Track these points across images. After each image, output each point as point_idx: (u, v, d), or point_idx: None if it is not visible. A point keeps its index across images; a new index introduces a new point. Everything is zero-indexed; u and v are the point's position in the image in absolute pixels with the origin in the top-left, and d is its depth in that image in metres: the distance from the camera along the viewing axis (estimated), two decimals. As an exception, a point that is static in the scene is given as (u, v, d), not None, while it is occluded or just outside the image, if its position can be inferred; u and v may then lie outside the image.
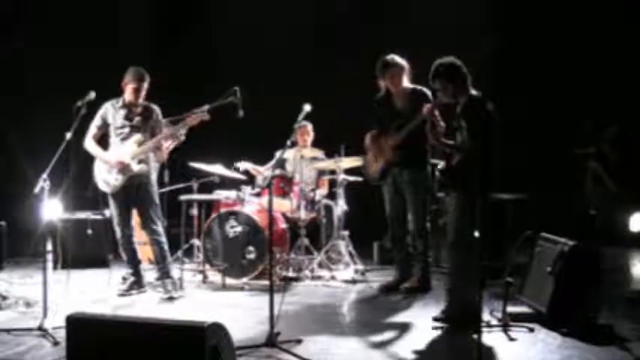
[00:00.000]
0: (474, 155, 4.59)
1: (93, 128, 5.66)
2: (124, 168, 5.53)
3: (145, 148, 5.57)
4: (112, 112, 5.67)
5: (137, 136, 5.59)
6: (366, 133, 5.92)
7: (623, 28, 7.65)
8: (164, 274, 5.65)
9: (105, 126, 5.68)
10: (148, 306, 5.33)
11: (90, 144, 5.64)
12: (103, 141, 5.71)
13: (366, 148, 5.92)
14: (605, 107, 7.63)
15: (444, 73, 4.70)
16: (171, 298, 5.46)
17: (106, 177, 5.61)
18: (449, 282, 4.82)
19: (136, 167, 5.56)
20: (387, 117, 5.68)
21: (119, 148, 5.60)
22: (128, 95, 5.63)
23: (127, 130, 5.62)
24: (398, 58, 5.69)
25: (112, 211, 5.78)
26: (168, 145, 5.74)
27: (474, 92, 4.70)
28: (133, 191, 5.63)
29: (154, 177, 5.77)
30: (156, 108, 5.74)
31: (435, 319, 4.68)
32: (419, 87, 5.64)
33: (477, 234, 4.63)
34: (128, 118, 5.65)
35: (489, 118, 4.61)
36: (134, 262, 5.75)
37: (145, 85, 5.61)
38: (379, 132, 5.78)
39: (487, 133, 4.55)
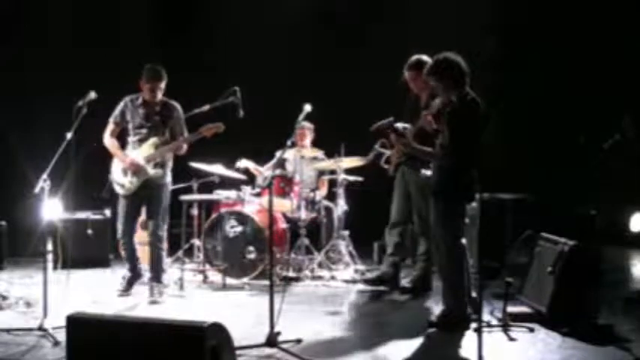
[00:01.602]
0: (450, 162, 4.57)
1: (111, 124, 5.60)
2: (137, 170, 5.48)
3: (162, 151, 5.51)
4: (130, 108, 5.58)
5: (154, 139, 5.52)
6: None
7: (627, 26, 7.66)
8: (155, 278, 5.59)
9: (123, 122, 5.60)
10: (148, 306, 5.33)
11: (109, 141, 5.59)
12: (120, 138, 5.66)
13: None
14: (605, 107, 7.64)
15: (439, 69, 4.63)
16: (154, 303, 5.39)
17: (121, 179, 5.55)
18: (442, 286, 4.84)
19: (151, 171, 5.50)
20: (414, 116, 5.55)
21: (135, 149, 5.56)
22: (145, 94, 5.54)
23: (145, 130, 5.55)
24: (423, 60, 5.51)
25: (119, 210, 5.69)
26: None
27: (470, 93, 4.60)
28: (145, 193, 5.56)
29: (169, 179, 5.68)
30: (176, 106, 5.64)
31: (430, 324, 4.67)
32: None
33: (464, 240, 4.66)
34: (147, 117, 5.56)
35: (478, 121, 4.55)
36: (132, 262, 5.70)
37: (161, 85, 5.50)
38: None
39: (471, 138, 4.50)
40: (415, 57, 5.61)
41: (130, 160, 5.49)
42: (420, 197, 5.65)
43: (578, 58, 7.72)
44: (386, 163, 5.90)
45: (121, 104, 5.62)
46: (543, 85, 7.81)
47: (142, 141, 5.55)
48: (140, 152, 5.52)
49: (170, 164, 5.68)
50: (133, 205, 5.62)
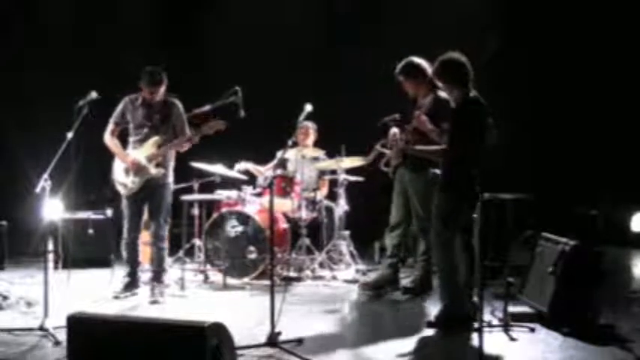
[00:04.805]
0: (455, 160, 4.63)
1: (111, 124, 5.59)
2: (139, 170, 5.46)
3: (164, 150, 5.50)
4: (130, 108, 5.57)
5: (155, 138, 5.50)
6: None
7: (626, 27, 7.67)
8: (156, 278, 5.58)
9: (123, 122, 5.59)
10: (149, 306, 5.32)
11: (109, 140, 5.57)
12: (121, 137, 5.65)
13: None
14: (606, 105, 7.66)
15: (443, 70, 4.70)
16: (154, 302, 5.38)
17: (122, 179, 5.54)
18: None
19: (153, 171, 5.48)
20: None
21: (136, 148, 5.54)
22: (145, 95, 5.52)
23: (145, 130, 5.53)
24: (410, 65, 5.50)
25: (123, 211, 5.68)
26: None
27: (472, 93, 4.65)
28: (147, 193, 5.55)
29: (171, 179, 5.67)
30: (177, 103, 5.61)
31: (429, 324, 4.66)
32: (441, 95, 5.37)
33: (473, 238, 4.68)
34: (147, 117, 5.54)
35: (481, 121, 4.59)
36: (133, 264, 5.68)
37: (161, 89, 5.47)
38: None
39: (474, 138, 4.54)
40: (404, 61, 5.55)
41: (132, 159, 5.48)
42: (417, 198, 5.64)
43: (582, 55, 7.73)
44: (385, 166, 5.91)
45: (121, 104, 5.61)
46: (545, 84, 7.84)
47: (142, 140, 5.54)
48: (142, 151, 5.51)
49: (172, 164, 5.67)
50: (136, 206, 5.61)
